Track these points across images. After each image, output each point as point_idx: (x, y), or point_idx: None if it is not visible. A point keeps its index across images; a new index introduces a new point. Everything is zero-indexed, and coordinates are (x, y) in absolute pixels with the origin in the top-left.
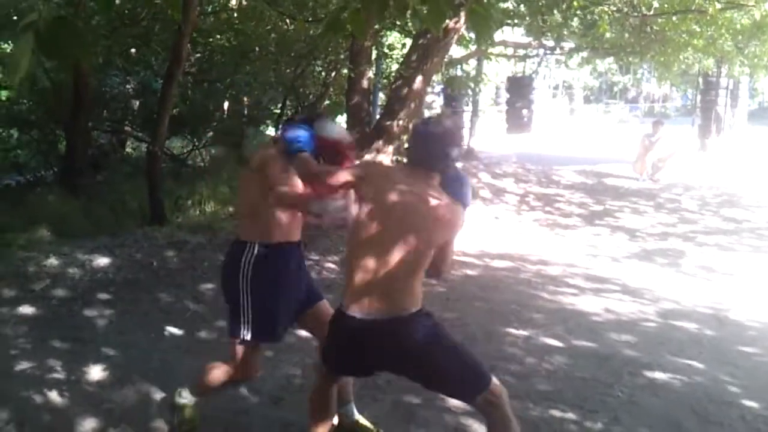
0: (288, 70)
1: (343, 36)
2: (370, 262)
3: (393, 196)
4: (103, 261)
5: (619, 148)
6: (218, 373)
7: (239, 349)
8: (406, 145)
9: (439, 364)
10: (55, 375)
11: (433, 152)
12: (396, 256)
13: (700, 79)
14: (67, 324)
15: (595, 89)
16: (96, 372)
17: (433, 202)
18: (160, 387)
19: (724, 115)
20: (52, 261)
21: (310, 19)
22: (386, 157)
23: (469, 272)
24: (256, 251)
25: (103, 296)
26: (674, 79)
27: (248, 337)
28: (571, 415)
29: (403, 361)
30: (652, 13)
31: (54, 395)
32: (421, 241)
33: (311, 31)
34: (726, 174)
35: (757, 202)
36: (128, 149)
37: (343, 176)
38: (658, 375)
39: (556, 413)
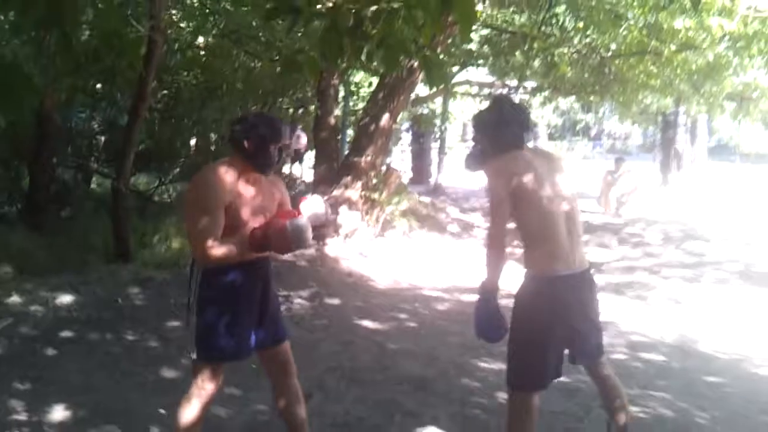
0: (255, 107)
1: (310, 74)
2: (561, 230)
3: (539, 177)
4: (66, 298)
5: (584, 184)
6: (189, 412)
7: (197, 370)
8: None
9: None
10: (16, 416)
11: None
12: (572, 218)
13: (659, 118)
14: (29, 363)
15: (558, 127)
16: (58, 413)
17: (558, 164)
18: (126, 429)
19: (683, 152)
20: (15, 299)
21: (276, 57)
22: (354, 192)
23: (439, 306)
24: (200, 275)
25: (67, 334)
26: (634, 118)
27: (194, 356)
28: None
29: (592, 308)
30: (609, 54)
31: None
32: (572, 197)
33: (277, 69)
34: (687, 208)
35: (718, 235)
36: (93, 185)
37: (501, 218)
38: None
39: None
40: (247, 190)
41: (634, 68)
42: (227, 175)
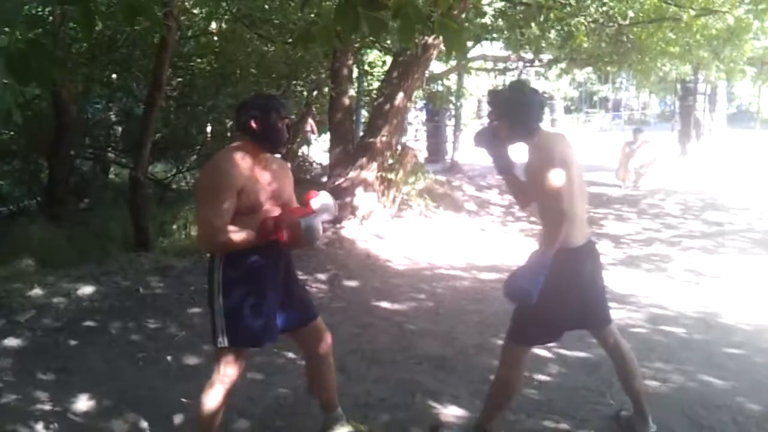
0: (272, 90)
1: (324, 45)
2: (579, 205)
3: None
4: (88, 289)
5: (601, 157)
6: (212, 399)
7: (220, 355)
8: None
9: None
10: (42, 407)
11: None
12: (584, 191)
13: (678, 86)
14: (53, 354)
15: (575, 99)
16: (83, 403)
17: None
18: (150, 416)
19: (703, 120)
20: (37, 291)
21: (289, 40)
22: (370, 173)
23: (458, 285)
24: (222, 258)
25: (89, 325)
26: (652, 87)
27: (222, 342)
28: (563, 426)
29: (600, 276)
30: (627, 22)
31: (40, 428)
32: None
33: (291, 52)
34: (707, 178)
35: (739, 204)
36: (112, 175)
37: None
38: (649, 381)
39: (549, 424)
40: (260, 174)
41: (653, 36)
42: (239, 159)
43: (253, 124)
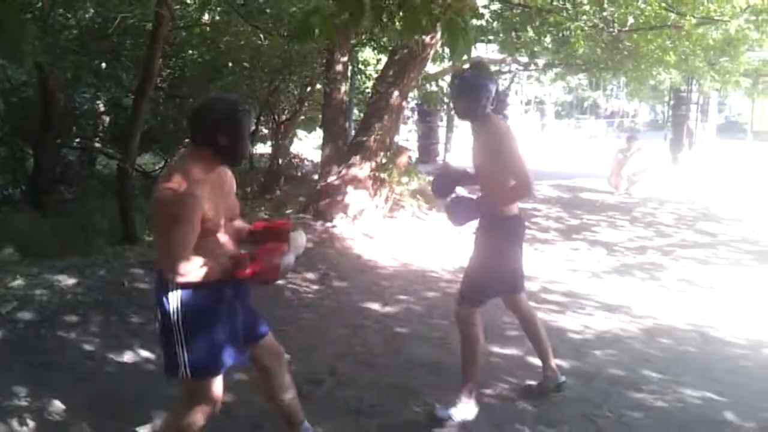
0: (265, 84)
1: (325, 37)
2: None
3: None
4: (71, 282)
5: (592, 163)
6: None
7: (194, 388)
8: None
9: None
10: (18, 402)
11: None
12: None
13: (670, 94)
14: (33, 348)
15: (566, 105)
16: (64, 399)
17: None
18: (135, 416)
19: (695, 130)
20: (19, 282)
21: (285, 33)
22: (362, 171)
23: (450, 290)
24: (180, 292)
25: (72, 319)
26: (644, 95)
27: (188, 375)
28: None
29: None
30: (627, 28)
31: (15, 424)
32: None
33: (286, 46)
34: (699, 188)
35: (732, 215)
36: (98, 166)
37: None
38: (646, 394)
39: None
40: (218, 192)
41: (651, 43)
42: (200, 177)
43: (220, 139)
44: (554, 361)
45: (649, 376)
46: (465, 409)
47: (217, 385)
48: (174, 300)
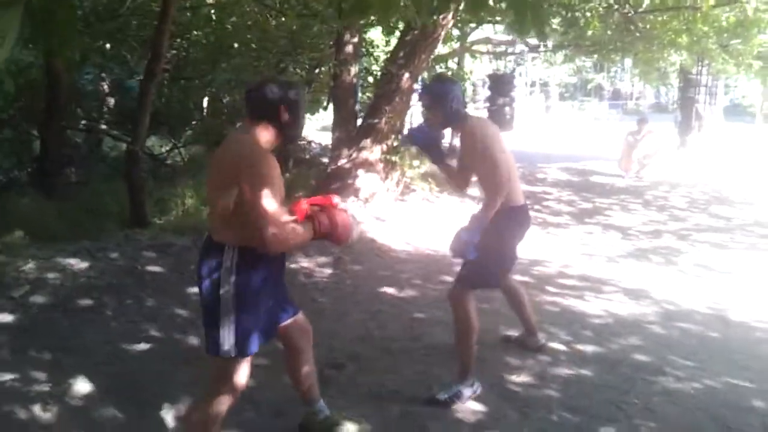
0: (272, 66)
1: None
2: (514, 173)
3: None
4: (84, 265)
5: (599, 146)
6: (216, 409)
7: (228, 365)
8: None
9: None
10: (39, 387)
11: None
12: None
13: (680, 77)
14: (49, 333)
15: (569, 87)
16: (83, 385)
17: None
18: (156, 400)
19: (704, 113)
20: (31, 266)
21: (304, 12)
22: (373, 154)
23: None
24: (236, 258)
25: (86, 303)
26: (651, 77)
27: (233, 353)
28: (587, 424)
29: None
30: (642, 9)
31: (38, 409)
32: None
33: (294, 27)
34: (710, 171)
35: (744, 199)
36: (105, 149)
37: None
38: (672, 380)
39: (572, 421)
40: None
41: (666, 24)
42: (267, 146)
43: (283, 115)
44: (536, 327)
45: (674, 362)
46: (462, 391)
47: (247, 365)
48: (230, 273)
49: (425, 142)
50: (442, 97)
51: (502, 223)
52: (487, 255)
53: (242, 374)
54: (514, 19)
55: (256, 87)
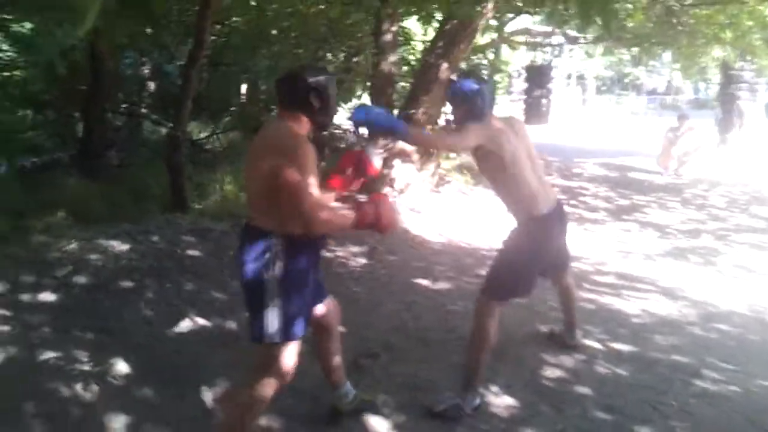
0: (314, 52)
1: (367, 15)
2: (533, 180)
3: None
4: (125, 247)
5: (636, 141)
6: (262, 394)
7: (276, 351)
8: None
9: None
10: (81, 367)
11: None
12: (536, 165)
13: (723, 72)
14: (90, 313)
15: (606, 80)
16: (124, 365)
17: (519, 125)
18: (193, 382)
19: (745, 110)
20: (73, 246)
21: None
22: (409, 146)
23: None
24: (281, 242)
25: (127, 284)
26: (693, 73)
27: (278, 339)
28: (622, 423)
29: (564, 233)
30: (688, 2)
31: (80, 388)
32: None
33: (330, 14)
34: (750, 170)
35: None
36: (146, 133)
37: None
38: (709, 383)
39: (609, 420)
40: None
41: (711, 18)
42: (304, 134)
43: (314, 101)
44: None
45: (713, 364)
46: (461, 405)
47: (295, 349)
48: (276, 258)
49: (377, 118)
50: (467, 96)
51: (521, 236)
52: (509, 267)
53: (289, 358)
54: (579, 11)
55: (285, 76)
